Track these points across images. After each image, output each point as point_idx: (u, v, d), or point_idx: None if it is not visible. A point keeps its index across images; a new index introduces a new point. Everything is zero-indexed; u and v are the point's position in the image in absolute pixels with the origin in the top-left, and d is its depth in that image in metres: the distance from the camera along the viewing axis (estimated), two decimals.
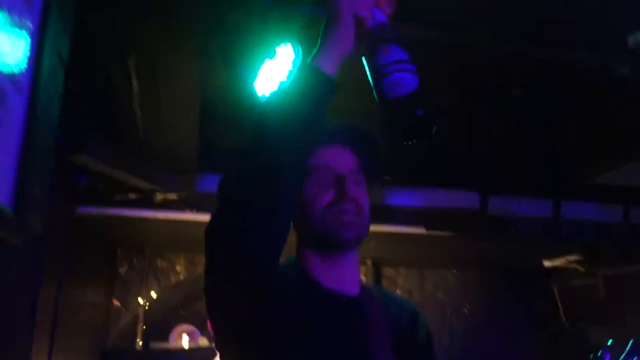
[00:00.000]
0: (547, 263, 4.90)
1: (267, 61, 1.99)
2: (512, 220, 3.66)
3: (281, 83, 1.00)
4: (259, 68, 2.00)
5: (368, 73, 1.01)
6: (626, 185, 3.62)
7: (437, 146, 3.27)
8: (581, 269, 4.86)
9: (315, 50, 0.99)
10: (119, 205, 3.29)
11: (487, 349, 5.20)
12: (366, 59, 1.02)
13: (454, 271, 5.27)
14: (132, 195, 3.26)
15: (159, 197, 3.30)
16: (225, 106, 2.59)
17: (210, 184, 3.30)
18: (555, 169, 3.49)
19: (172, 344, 4.56)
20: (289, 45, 1.97)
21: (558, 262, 4.81)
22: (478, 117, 2.92)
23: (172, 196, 3.32)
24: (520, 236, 3.74)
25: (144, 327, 4.50)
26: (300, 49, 1.98)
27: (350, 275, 1.19)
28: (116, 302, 4.69)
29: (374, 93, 1.00)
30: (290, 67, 2.03)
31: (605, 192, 3.67)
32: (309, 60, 0.98)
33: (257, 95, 2.09)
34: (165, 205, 3.34)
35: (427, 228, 3.62)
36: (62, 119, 2.52)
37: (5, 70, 1.05)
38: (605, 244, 4.01)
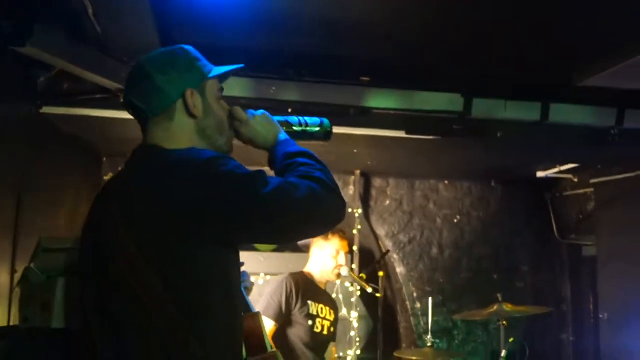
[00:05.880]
0: (540, 174, 4.79)
1: None
2: (497, 124, 3.50)
3: None
4: None
5: None
6: (621, 88, 3.43)
7: (420, 46, 3.09)
8: (574, 178, 4.75)
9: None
10: (86, 106, 3.18)
11: (477, 262, 5.19)
12: None
13: (445, 182, 5.18)
14: (98, 95, 3.13)
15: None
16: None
17: None
18: (544, 70, 3.29)
19: None
20: None
21: (551, 172, 4.70)
22: (462, 15, 2.71)
23: None
24: (506, 141, 3.60)
25: None
26: None
27: None
28: None
29: None
30: None
31: (598, 95, 3.47)
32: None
33: None
34: None
35: (408, 132, 3.49)
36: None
37: None
38: (598, 150, 3.86)
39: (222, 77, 1.55)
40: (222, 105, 1.52)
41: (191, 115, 1.44)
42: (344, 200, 1.40)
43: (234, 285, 1.36)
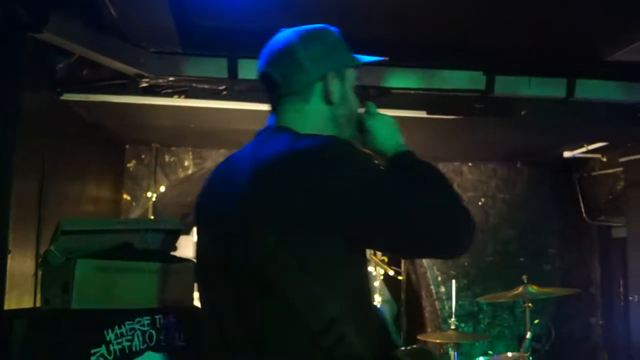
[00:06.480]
0: (567, 153, 4.68)
1: None
2: (520, 102, 3.41)
3: None
4: None
5: None
6: None
7: (439, 22, 3.01)
8: (603, 157, 4.63)
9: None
10: (105, 92, 3.19)
11: (502, 244, 5.11)
12: None
13: (469, 163, 5.09)
14: (116, 81, 3.14)
15: (144, 82, 3.17)
16: None
17: (194, 67, 3.14)
18: (569, 44, 3.19)
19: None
20: None
21: (579, 151, 4.58)
22: None
23: (159, 81, 3.19)
24: (530, 120, 3.51)
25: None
26: None
27: None
28: (126, 196, 4.75)
29: None
30: None
31: (626, 70, 3.36)
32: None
33: None
34: (152, 90, 3.22)
35: (429, 112, 3.42)
36: None
37: None
38: (627, 127, 3.75)
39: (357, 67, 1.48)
40: (355, 96, 1.45)
41: (328, 101, 1.37)
42: (475, 224, 1.28)
43: (368, 282, 1.32)
